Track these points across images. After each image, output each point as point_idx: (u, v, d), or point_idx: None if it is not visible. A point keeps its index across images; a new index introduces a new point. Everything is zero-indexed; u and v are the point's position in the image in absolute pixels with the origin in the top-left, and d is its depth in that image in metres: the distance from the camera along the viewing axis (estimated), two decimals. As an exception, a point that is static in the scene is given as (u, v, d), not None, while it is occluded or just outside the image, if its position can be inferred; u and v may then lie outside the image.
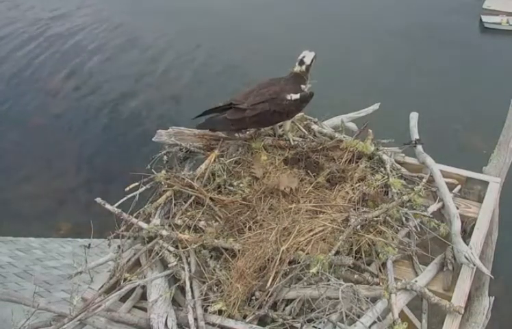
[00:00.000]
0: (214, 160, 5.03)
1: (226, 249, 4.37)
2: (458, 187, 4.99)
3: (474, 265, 4.24)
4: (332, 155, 5.06)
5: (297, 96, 5.05)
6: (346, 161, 4.99)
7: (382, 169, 4.93)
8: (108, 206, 4.65)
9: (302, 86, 5.09)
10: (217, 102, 5.15)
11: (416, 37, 24.41)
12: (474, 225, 4.63)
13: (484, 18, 25.62)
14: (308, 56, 5.15)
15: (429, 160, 5.05)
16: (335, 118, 5.61)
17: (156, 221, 4.64)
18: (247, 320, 4.01)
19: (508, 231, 8.22)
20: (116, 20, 26.48)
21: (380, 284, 4.09)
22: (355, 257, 4.27)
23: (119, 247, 4.60)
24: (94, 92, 21.82)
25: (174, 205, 4.76)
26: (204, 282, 4.22)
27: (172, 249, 4.43)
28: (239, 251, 4.29)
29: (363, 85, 20.35)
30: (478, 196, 4.97)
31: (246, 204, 4.66)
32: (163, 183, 4.87)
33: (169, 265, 4.35)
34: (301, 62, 5.14)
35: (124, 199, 4.78)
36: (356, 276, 4.20)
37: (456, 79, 21.73)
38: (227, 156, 5.11)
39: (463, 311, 4.01)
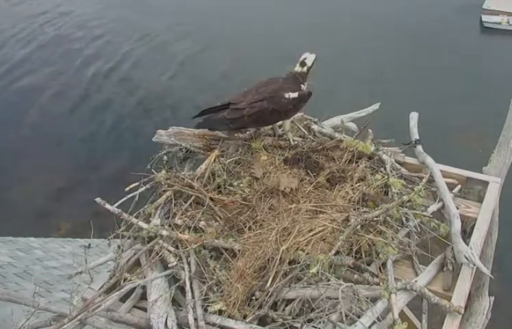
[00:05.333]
0: (214, 160, 5.03)
1: (226, 249, 4.37)
2: (458, 187, 4.99)
3: (474, 265, 4.24)
4: (332, 155, 5.06)
5: (295, 95, 5.05)
6: (346, 161, 4.99)
7: (382, 169, 4.93)
8: (108, 206, 4.65)
9: (302, 86, 5.09)
10: (215, 102, 5.15)
11: (416, 37, 24.42)
12: (474, 225, 4.63)
13: (484, 18, 25.62)
14: (309, 58, 5.15)
15: (429, 160, 5.06)
16: (335, 118, 5.61)
17: (156, 221, 4.65)
18: (247, 320, 4.01)
19: (508, 231, 8.21)
20: (117, 20, 26.47)
21: (380, 284, 4.10)
22: (355, 257, 4.27)
23: (119, 247, 4.60)
24: (93, 91, 21.82)
25: (174, 205, 4.76)
26: (204, 282, 4.22)
27: (172, 249, 4.43)
28: (239, 251, 4.29)
29: (363, 85, 20.36)
30: (478, 196, 4.97)
31: (246, 204, 4.66)
32: (163, 183, 4.87)
33: (169, 265, 4.35)
34: (302, 64, 5.13)
35: (124, 199, 4.79)
36: (356, 276, 4.20)
37: (456, 78, 21.73)
38: (227, 156, 5.11)
39: (463, 311, 4.01)
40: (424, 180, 4.88)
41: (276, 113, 5.04)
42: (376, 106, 5.69)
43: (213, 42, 24.34)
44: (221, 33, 24.90)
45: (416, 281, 4.14)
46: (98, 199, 4.71)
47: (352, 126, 5.52)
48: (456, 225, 4.45)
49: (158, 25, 25.89)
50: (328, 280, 4.00)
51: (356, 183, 4.76)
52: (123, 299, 4.31)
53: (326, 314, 3.91)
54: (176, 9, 26.93)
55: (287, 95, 5.01)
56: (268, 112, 4.99)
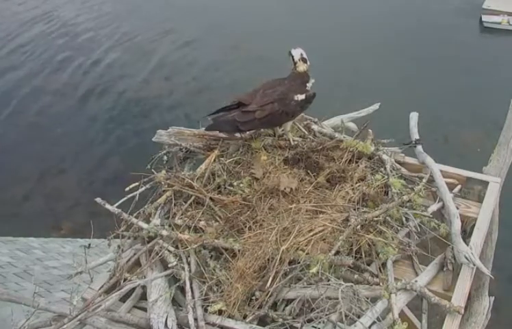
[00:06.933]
0: (214, 160, 5.03)
1: (226, 249, 4.37)
2: (458, 187, 4.99)
3: (474, 265, 4.24)
4: (332, 155, 5.06)
5: (303, 96, 5.06)
6: (346, 161, 4.98)
7: (382, 169, 4.92)
8: (108, 206, 4.65)
9: (308, 85, 5.10)
10: (216, 101, 5.14)
11: (416, 37, 24.41)
12: (474, 225, 4.63)
13: (484, 18, 25.63)
14: (303, 52, 5.10)
15: (429, 160, 5.05)
16: (335, 118, 5.61)
17: (156, 221, 4.65)
18: (247, 320, 4.01)
19: (508, 231, 8.21)
20: (117, 20, 26.48)
21: (380, 284, 4.09)
22: (355, 257, 4.27)
23: (119, 247, 4.61)
24: (94, 91, 21.82)
25: (174, 205, 4.76)
26: (204, 282, 4.22)
27: (172, 249, 4.43)
28: (239, 251, 4.29)
29: (363, 85, 20.36)
30: (478, 196, 4.97)
31: (246, 204, 4.66)
32: (163, 183, 4.87)
33: (169, 265, 4.35)
34: (304, 60, 5.10)
35: (124, 199, 4.79)
36: (356, 276, 4.20)
37: (456, 78, 21.72)
38: (227, 156, 5.11)
39: (463, 311, 4.01)
40: (424, 180, 4.88)
41: (285, 115, 5.05)
42: (376, 106, 5.69)
43: (213, 43, 24.33)
44: (221, 33, 24.90)
45: (416, 281, 4.14)
46: (98, 199, 4.70)
47: (352, 126, 5.52)
48: (456, 225, 4.45)
49: (157, 25, 25.88)
50: (328, 280, 4.00)
51: (356, 183, 4.76)
52: (123, 299, 4.30)
53: (326, 314, 3.91)
54: (176, 9, 26.91)
55: (295, 97, 5.02)
56: (279, 114, 5.00)
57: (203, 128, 5.31)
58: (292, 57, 5.08)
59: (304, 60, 5.09)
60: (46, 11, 27.17)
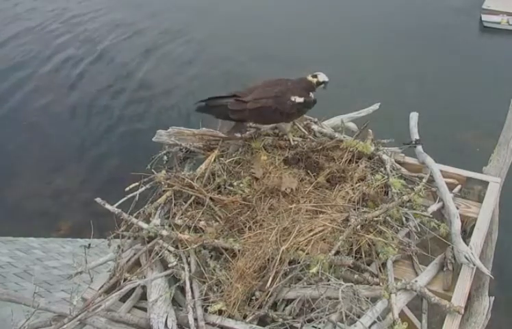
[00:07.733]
0: (214, 160, 5.03)
1: (226, 249, 4.37)
2: (458, 187, 4.99)
3: (474, 265, 4.24)
4: (332, 155, 5.06)
5: (301, 100, 5.05)
6: (346, 161, 4.99)
7: (382, 169, 4.93)
8: (108, 206, 4.65)
9: (311, 93, 5.11)
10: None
11: (416, 36, 24.40)
12: (474, 225, 4.63)
13: (484, 18, 25.61)
14: (323, 76, 5.16)
15: (429, 160, 5.06)
16: (335, 118, 5.61)
17: (156, 221, 4.65)
18: (247, 320, 4.02)
19: (508, 231, 8.21)
20: (115, 18, 26.46)
21: (380, 284, 4.10)
22: (355, 257, 4.27)
23: (119, 247, 4.61)
24: (94, 91, 21.80)
25: (174, 205, 4.76)
26: (204, 282, 4.22)
27: (172, 249, 4.43)
28: (239, 251, 4.30)
29: (363, 85, 20.35)
30: (478, 196, 4.97)
31: (246, 204, 4.66)
32: (163, 183, 4.87)
33: (169, 265, 4.35)
34: (314, 76, 5.16)
35: (124, 199, 4.79)
36: (356, 276, 4.20)
37: (456, 78, 21.72)
38: (227, 156, 5.11)
39: (463, 311, 4.01)
40: (424, 180, 4.88)
41: (279, 114, 5.03)
42: (376, 106, 5.69)
43: (215, 41, 24.33)
44: (220, 33, 24.90)
45: (416, 281, 4.14)
46: (98, 199, 4.70)
47: (352, 126, 5.52)
48: (456, 225, 4.45)
49: (158, 25, 25.88)
50: (328, 280, 4.00)
51: (356, 183, 4.76)
52: (123, 299, 4.31)
53: (326, 314, 3.91)
54: (177, 9, 26.92)
55: (293, 98, 5.02)
56: (271, 111, 4.98)
57: (203, 128, 5.32)
58: (317, 74, 5.15)
59: (314, 76, 5.15)
60: (43, 10, 27.13)
